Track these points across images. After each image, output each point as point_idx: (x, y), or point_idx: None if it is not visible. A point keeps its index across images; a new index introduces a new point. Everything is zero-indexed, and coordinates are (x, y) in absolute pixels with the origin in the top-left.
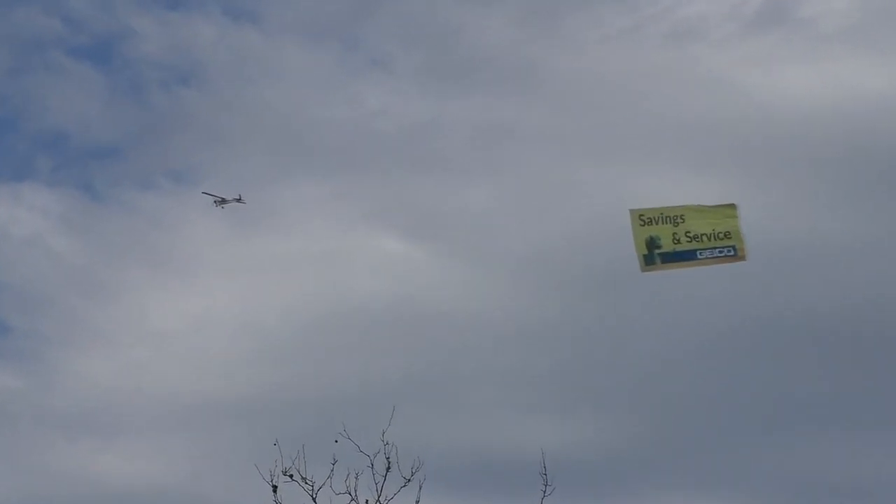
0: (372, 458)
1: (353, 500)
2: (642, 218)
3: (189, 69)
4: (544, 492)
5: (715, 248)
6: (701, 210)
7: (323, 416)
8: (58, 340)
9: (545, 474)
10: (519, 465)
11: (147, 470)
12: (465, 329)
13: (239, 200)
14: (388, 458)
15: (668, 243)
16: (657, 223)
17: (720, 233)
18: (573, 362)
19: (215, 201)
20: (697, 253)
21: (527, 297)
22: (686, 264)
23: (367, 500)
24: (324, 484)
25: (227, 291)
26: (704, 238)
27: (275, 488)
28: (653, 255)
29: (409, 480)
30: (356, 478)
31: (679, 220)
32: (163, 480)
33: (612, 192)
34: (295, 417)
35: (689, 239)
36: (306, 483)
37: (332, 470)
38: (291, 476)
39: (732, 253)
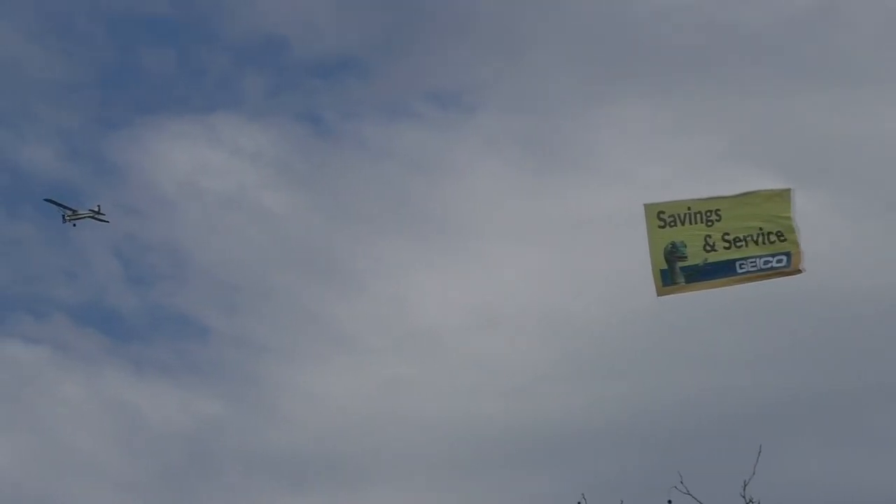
0: None
1: None
2: (661, 216)
3: None
4: None
5: (762, 256)
6: (743, 200)
7: (651, 454)
8: (276, 349)
9: None
10: None
11: None
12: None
13: (96, 215)
14: None
15: (698, 252)
16: (682, 223)
17: (770, 233)
18: None
19: (64, 216)
20: (737, 265)
21: None
22: (720, 282)
23: None
24: None
25: (525, 269)
26: (750, 242)
27: None
28: (673, 271)
29: None
30: None
31: (713, 218)
32: None
33: None
34: (610, 455)
35: (726, 244)
36: None
37: None
38: None
39: (784, 264)
